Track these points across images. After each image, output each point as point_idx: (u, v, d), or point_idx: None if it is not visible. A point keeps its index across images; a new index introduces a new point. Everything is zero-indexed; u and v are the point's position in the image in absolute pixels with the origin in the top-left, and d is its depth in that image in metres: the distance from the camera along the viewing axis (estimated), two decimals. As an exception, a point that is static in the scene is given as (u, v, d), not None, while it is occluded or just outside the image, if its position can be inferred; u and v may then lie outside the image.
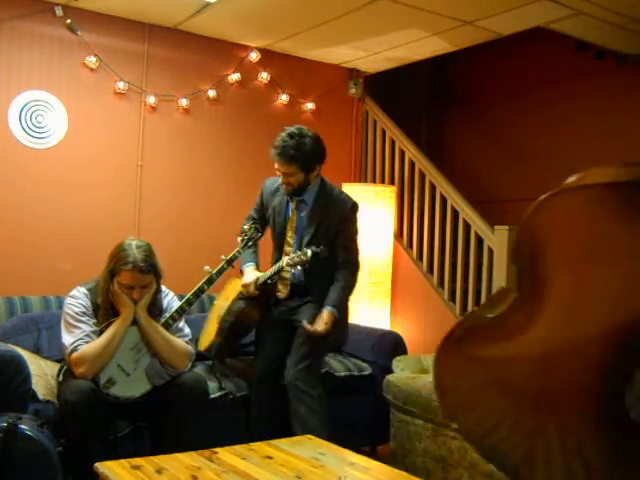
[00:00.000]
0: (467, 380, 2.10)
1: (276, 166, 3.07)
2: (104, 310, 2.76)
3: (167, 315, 2.86)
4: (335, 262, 3.12)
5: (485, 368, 2.13)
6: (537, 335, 2.12)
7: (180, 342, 2.83)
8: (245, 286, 3.18)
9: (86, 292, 2.79)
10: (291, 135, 3.06)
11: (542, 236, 2.01)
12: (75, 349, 2.64)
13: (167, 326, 2.82)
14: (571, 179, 2.06)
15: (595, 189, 1.86)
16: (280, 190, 3.19)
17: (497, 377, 2.13)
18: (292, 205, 3.17)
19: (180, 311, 2.87)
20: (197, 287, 2.96)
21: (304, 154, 3.03)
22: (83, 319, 2.72)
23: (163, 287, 2.96)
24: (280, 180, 3.14)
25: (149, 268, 2.71)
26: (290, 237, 3.16)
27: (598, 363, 1.82)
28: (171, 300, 2.97)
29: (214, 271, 3.02)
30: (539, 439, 1.74)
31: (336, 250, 3.11)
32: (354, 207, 3.19)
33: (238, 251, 3.15)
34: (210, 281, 3.00)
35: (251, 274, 3.20)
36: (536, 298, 2.08)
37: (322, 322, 3.00)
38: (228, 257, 3.10)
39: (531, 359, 2.08)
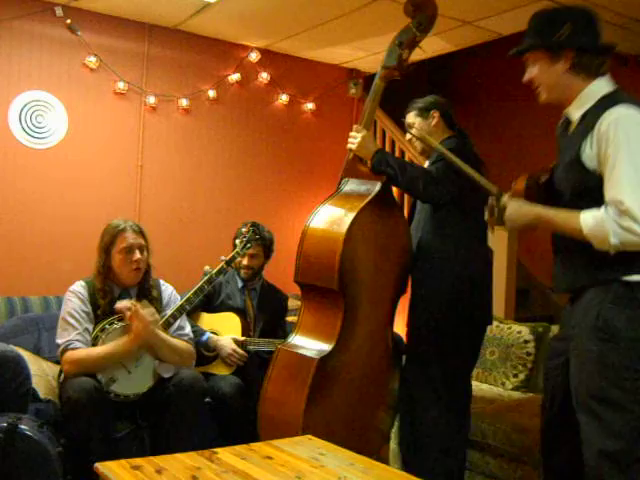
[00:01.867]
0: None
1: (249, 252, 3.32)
2: (102, 292, 2.78)
3: (168, 313, 2.86)
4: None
5: (337, 387, 2.53)
6: (361, 332, 2.58)
7: (184, 345, 2.85)
8: (241, 357, 3.18)
9: (84, 284, 2.81)
10: (258, 225, 3.39)
11: (350, 257, 2.49)
12: (68, 347, 2.64)
13: (167, 324, 2.83)
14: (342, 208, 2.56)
15: (366, 207, 2.53)
16: (231, 280, 3.42)
17: (342, 384, 2.56)
18: (245, 293, 3.43)
19: (180, 310, 2.89)
20: (197, 286, 2.99)
21: (270, 241, 3.44)
22: (77, 316, 2.72)
23: (162, 281, 2.99)
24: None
25: (140, 229, 2.86)
26: (251, 324, 3.41)
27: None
28: (171, 294, 2.99)
29: (214, 271, 3.05)
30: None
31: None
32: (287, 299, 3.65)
33: (237, 252, 3.17)
34: (210, 281, 3.03)
35: (228, 340, 3.22)
36: (354, 303, 2.51)
37: None
38: (227, 258, 3.13)
39: (360, 353, 2.56)
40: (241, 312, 3.37)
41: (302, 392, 2.43)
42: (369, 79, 5.19)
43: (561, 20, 1.94)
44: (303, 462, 1.94)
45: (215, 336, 3.24)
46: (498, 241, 4.08)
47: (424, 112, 2.85)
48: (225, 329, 3.29)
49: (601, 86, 1.93)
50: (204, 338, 3.21)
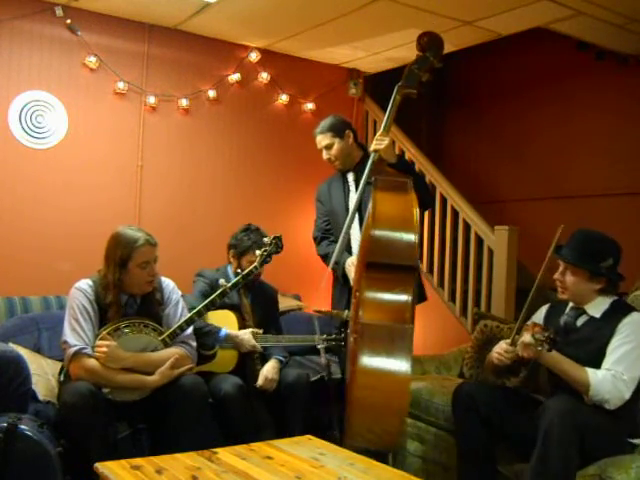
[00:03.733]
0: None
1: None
2: (116, 306, 2.74)
3: (175, 325, 2.83)
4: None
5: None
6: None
7: (175, 353, 2.79)
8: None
9: (91, 284, 2.78)
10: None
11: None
12: (82, 351, 2.63)
13: (174, 336, 2.81)
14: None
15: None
16: (226, 278, 3.30)
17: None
18: (241, 291, 3.38)
19: (189, 321, 2.86)
20: (209, 299, 2.95)
21: None
22: (86, 315, 2.70)
23: (162, 278, 2.96)
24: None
25: (155, 241, 2.82)
26: (247, 321, 3.41)
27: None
28: (172, 290, 2.96)
29: (228, 285, 3.01)
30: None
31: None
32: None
33: (255, 267, 3.11)
34: (223, 294, 2.99)
35: (248, 336, 3.26)
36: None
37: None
38: (245, 272, 3.10)
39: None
40: (237, 309, 3.38)
41: (405, 359, 2.52)
42: (369, 79, 5.20)
43: (607, 253, 2.52)
44: (303, 462, 1.94)
45: (234, 332, 3.24)
46: (498, 241, 4.09)
47: (340, 133, 3.22)
48: (222, 326, 3.29)
49: (611, 294, 2.58)
50: (222, 334, 3.21)
